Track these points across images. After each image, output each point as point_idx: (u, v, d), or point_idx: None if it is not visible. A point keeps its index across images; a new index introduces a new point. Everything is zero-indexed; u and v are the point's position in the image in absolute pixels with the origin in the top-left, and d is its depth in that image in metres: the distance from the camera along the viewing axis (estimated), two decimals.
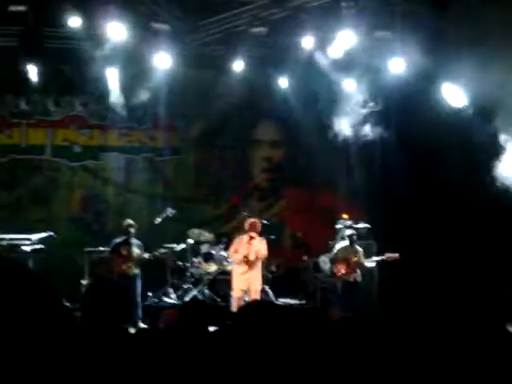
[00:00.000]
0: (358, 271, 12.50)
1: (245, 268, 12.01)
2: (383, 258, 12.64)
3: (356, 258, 12.48)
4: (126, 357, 3.64)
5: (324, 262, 13.72)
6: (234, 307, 11.67)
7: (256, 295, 11.94)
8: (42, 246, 13.05)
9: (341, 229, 13.86)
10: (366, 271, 12.83)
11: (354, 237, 12.73)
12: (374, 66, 13.95)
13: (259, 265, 12.25)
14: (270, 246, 12.67)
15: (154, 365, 3.70)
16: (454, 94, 13.37)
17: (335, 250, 12.72)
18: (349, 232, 12.86)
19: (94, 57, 13.38)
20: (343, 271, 12.45)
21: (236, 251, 12.13)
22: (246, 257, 11.98)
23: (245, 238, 12.09)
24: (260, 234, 12.32)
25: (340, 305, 12.51)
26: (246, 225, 12.21)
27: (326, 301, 13.51)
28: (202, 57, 14.25)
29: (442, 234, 14.07)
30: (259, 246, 12.14)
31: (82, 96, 15.08)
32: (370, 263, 12.66)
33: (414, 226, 14.37)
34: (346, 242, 12.67)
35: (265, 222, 14.55)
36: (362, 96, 14.54)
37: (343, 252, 12.56)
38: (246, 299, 11.76)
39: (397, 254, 12.59)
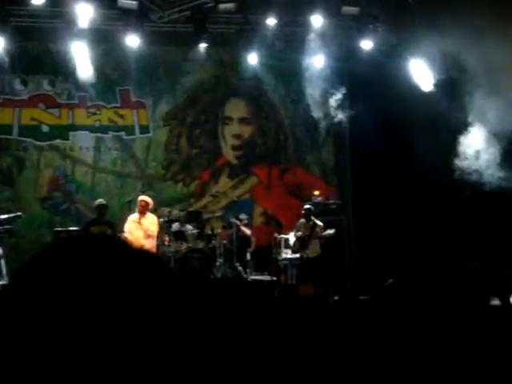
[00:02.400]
0: (315, 247, 12.69)
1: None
2: (323, 234, 12.89)
3: (310, 234, 12.67)
4: None
5: (293, 238, 13.87)
6: None
7: None
8: (10, 227, 12.94)
9: (311, 205, 13.95)
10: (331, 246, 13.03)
11: (310, 212, 12.93)
12: (343, 44, 13.98)
13: (153, 243, 12.27)
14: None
15: None
16: (422, 71, 13.46)
17: (295, 227, 12.98)
18: (305, 206, 13.03)
19: (61, 34, 13.27)
20: (298, 247, 12.74)
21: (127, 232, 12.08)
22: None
23: (135, 217, 12.10)
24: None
25: (300, 280, 12.75)
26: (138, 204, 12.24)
27: (297, 277, 13.66)
28: (170, 34, 14.16)
29: (409, 210, 14.23)
30: (147, 225, 12.18)
31: (50, 75, 14.90)
32: (328, 231, 12.84)
33: (382, 201, 14.49)
34: (303, 219, 12.87)
35: (235, 199, 14.63)
36: (332, 74, 14.56)
37: (299, 228, 12.79)
38: None
39: (332, 231, 12.94)
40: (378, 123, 14.60)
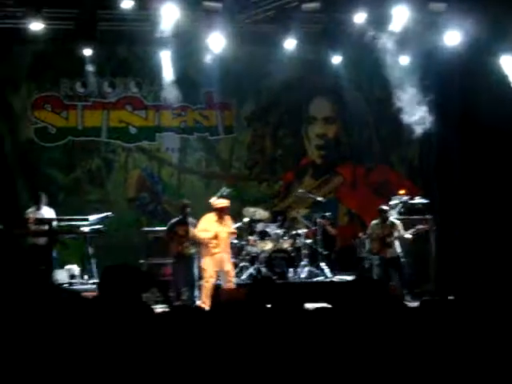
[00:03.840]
0: (395, 247, 12.49)
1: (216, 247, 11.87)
2: (414, 230, 12.65)
3: (389, 233, 12.48)
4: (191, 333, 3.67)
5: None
6: (207, 289, 11.62)
7: (229, 276, 11.91)
8: (100, 227, 13.24)
9: (397, 204, 13.76)
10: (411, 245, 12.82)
11: (387, 212, 12.73)
12: (429, 40, 13.75)
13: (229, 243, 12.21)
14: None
15: (217, 342, 3.72)
16: None
17: (369, 228, 12.79)
18: (381, 207, 12.82)
19: (147, 37, 13.50)
20: (378, 247, 12.54)
21: (205, 230, 11.93)
22: (216, 234, 11.85)
23: (213, 217, 11.99)
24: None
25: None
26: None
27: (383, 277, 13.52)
28: (254, 34, 14.19)
29: (498, 215, 13.91)
30: (229, 224, 12.14)
31: (137, 77, 15.19)
32: (407, 235, 12.62)
33: (470, 202, 14.23)
34: (378, 219, 12.66)
35: (320, 198, 14.58)
36: (418, 72, 14.34)
37: (375, 228, 12.59)
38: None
39: (426, 225, 12.69)
40: (466, 122, 14.34)
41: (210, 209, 12.27)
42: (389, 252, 12.50)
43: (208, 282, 11.69)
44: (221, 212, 11.87)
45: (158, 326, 3.83)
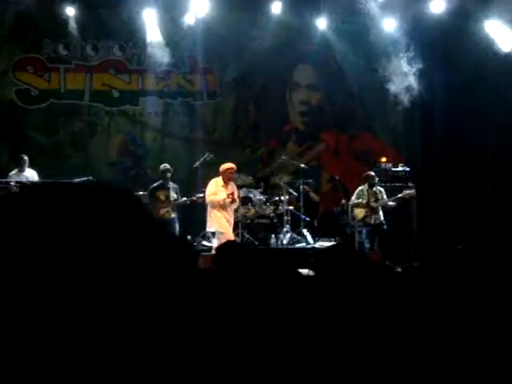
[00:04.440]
0: (379, 213, 12.64)
1: (227, 212, 11.92)
2: (401, 195, 12.77)
3: (375, 200, 12.61)
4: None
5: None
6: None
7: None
8: None
9: (379, 171, 13.84)
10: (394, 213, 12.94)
11: (373, 179, 12.86)
12: (414, 8, 13.74)
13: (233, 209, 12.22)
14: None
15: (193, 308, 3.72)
16: (502, 34, 13.09)
17: (354, 194, 12.92)
18: (368, 173, 12.95)
19: (132, 1, 13.39)
20: (364, 214, 12.68)
21: (215, 194, 11.91)
22: (231, 194, 11.87)
23: (220, 181, 11.99)
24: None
25: (367, 247, 12.72)
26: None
27: (361, 243, 13.64)
28: None
29: (479, 180, 14.01)
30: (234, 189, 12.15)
31: (120, 40, 15.05)
32: (390, 202, 12.76)
33: (455, 169, 14.30)
34: (365, 185, 12.79)
35: (303, 165, 14.60)
36: (403, 40, 14.34)
37: (361, 195, 12.73)
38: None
39: (413, 191, 12.79)
40: (451, 90, 14.36)
41: (194, 173, 12.26)
42: (373, 218, 12.63)
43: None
44: (227, 176, 11.85)
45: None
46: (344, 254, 4.46)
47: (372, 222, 12.68)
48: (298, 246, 13.37)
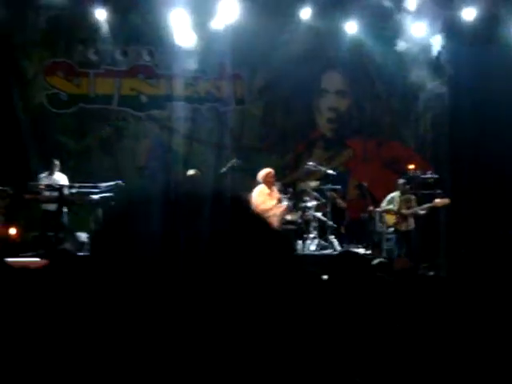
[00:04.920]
0: (410, 220, 12.58)
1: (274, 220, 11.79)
2: (432, 204, 12.69)
3: (407, 207, 12.56)
4: None
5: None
6: None
7: None
8: (111, 195, 13.25)
9: (407, 179, 13.77)
10: (426, 220, 12.85)
11: (406, 186, 12.81)
12: (446, 12, 13.69)
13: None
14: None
15: None
16: None
17: (385, 201, 12.87)
18: (400, 181, 12.92)
19: (161, 5, 13.46)
20: (394, 220, 12.64)
21: (264, 203, 11.85)
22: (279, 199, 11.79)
23: (266, 189, 11.93)
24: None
25: (396, 254, 12.66)
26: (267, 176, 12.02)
27: (391, 250, 13.58)
28: (267, 4, 14.12)
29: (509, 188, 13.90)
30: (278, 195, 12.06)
31: (149, 46, 15.13)
32: (421, 211, 12.69)
33: (483, 177, 14.20)
34: (397, 192, 12.76)
35: (330, 171, 14.57)
36: (433, 46, 14.29)
37: (391, 202, 12.68)
38: None
39: (447, 199, 12.66)
40: (480, 97, 14.27)
41: (221, 179, 12.28)
42: (404, 225, 12.56)
43: None
44: (269, 181, 11.84)
45: None
46: (350, 260, 4.49)
47: (403, 228, 12.62)
48: (324, 252, 13.33)
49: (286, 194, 13.97)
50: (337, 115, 16.03)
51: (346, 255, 5.08)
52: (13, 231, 12.02)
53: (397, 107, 15.89)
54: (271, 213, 11.65)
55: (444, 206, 12.87)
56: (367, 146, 15.99)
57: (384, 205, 12.96)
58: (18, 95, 14.64)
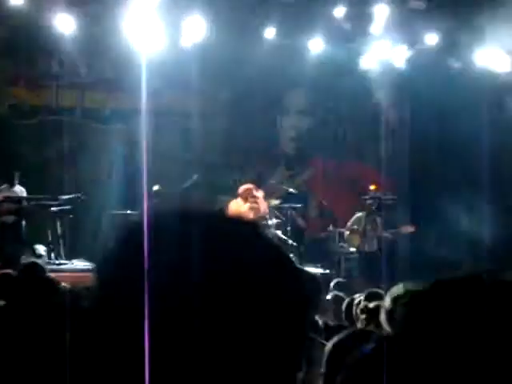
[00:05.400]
0: (374, 241, 12.60)
1: None
2: (397, 230, 12.76)
3: (372, 228, 12.59)
4: None
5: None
6: None
7: None
8: (70, 207, 13.16)
9: (367, 199, 13.86)
10: (388, 243, 12.86)
11: (372, 207, 12.85)
12: (407, 39, 13.88)
13: None
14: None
15: None
16: (498, 59, 13.29)
17: (351, 221, 12.90)
18: (367, 202, 12.97)
19: (123, 20, 13.44)
20: (358, 240, 12.64)
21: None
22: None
23: (239, 201, 11.93)
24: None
25: (359, 274, 12.69)
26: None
27: (349, 271, 13.65)
28: (233, 22, 14.16)
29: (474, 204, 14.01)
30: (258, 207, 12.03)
31: (114, 59, 15.05)
32: (386, 234, 12.75)
33: (442, 198, 14.33)
34: (362, 212, 12.80)
35: (292, 190, 14.65)
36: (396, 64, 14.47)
37: (357, 222, 12.71)
38: None
39: (412, 227, 12.73)
40: (442, 118, 14.44)
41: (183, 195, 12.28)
42: (367, 246, 12.56)
43: None
44: (243, 196, 11.79)
45: None
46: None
47: (366, 249, 12.61)
48: None
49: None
50: (299, 134, 16.10)
51: None
52: None
53: (359, 127, 16.02)
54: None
55: (409, 233, 12.89)
56: (329, 165, 16.08)
57: (349, 224, 12.97)
58: None
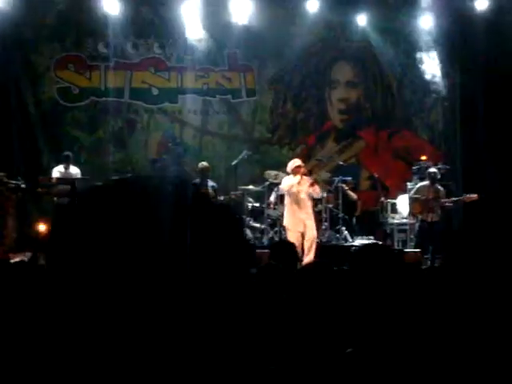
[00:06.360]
0: (437, 211, 12.34)
1: (299, 208, 11.62)
2: (461, 198, 12.48)
3: (435, 197, 12.32)
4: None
5: (401, 201, 13.64)
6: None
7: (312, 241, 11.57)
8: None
9: (419, 169, 13.69)
10: (445, 212, 12.67)
11: (436, 176, 12.54)
12: (456, 4, 13.65)
13: (311, 208, 11.81)
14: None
15: (251, 305, 3.75)
16: None
17: (415, 189, 12.61)
18: (431, 170, 12.68)
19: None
20: (421, 210, 12.37)
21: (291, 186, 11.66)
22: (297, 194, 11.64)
23: (295, 178, 11.75)
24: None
25: (417, 244, 12.51)
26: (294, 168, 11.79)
27: (404, 242, 13.54)
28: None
29: None
30: (310, 188, 11.71)
31: (160, 38, 15.12)
32: (448, 203, 12.51)
33: (494, 169, 14.14)
34: (427, 182, 12.52)
35: (341, 163, 14.59)
36: (444, 36, 14.25)
37: (422, 191, 12.42)
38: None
39: (475, 195, 12.37)
40: (491, 88, 14.20)
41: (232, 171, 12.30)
42: (430, 216, 12.31)
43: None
44: (297, 172, 11.68)
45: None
46: (378, 253, 4.48)
47: (428, 219, 12.36)
48: (336, 243, 13.32)
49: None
50: (348, 106, 15.98)
51: (373, 247, 5.10)
52: (42, 227, 11.91)
53: (408, 97, 15.84)
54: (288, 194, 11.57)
55: (472, 202, 12.54)
56: (379, 136, 15.94)
57: (413, 192, 12.66)
58: (29, 90, 14.69)
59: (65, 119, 14.97)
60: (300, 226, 11.52)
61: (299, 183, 11.61)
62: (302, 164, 11.88)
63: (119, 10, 14.09)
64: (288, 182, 11.78)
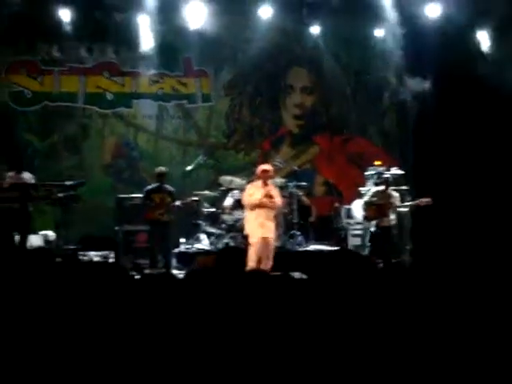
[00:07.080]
0: (392, 216, 12.43)
1: (260, 214, 11.40)
2: (416, 202, 12.58)
3: (389, 202, 12.41)
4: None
5: (356, 207, 13.71)
6: (254, 255, 11.03)
7: (271, 247, 11.45)
8: (75, 193, 13.14)
9: (373, 175, 13.79)
10: (399, 217, 12.78)
11: (389, 181, 12.66)
12: (409, 13, 13.80)
13: (272, 214, 11.59)
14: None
15: (191, 308, 3.75)
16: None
17: (369, 194, 12.68)
18: (385, 176, 12.80)
19: (126, 2, 13.40)
20: (375, 214, 12.43)
21: (251, 195, 11.44)
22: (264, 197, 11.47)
23: (258, 183, 11.62)
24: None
25: (371, 249, 12.59)
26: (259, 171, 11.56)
27: (358, 247, 13.61)
28: (232, 2, 14.14)
29: (476, 182, 14.00)
30: (273, 192, 11.54)
31: (114, 43, 15.01)
32: (403, 208, 12.63)
33: (447, 173, 14.30)
34: (381, 187, 12.61)
35: (296, 168, 14.65)
36: (396, 43, 14.39)
37: (377, 196, 12.50)
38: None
39: (429, 199, 12.48)
40: (444, 93, 14.38)
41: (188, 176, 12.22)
42: (385, 221, 12.37)
43: (252, 247, 11.17)
44: (263, 178, 11.47)
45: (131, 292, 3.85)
46: (347, 258, 4.49)
47: (383, 224, 12.42)
48: (290, 248, 13.37)
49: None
50: (303, 111, 16.06)
51: (342, 252, 5.11)
52: None
53: (362, 103, 15.97)
54: (257, 203, 11.45)
55: (426, 206, 12.62)
56: (333, 142, 16.05)
57: (367, 198, 12.71)
58: None
59: (18, 124, 14.80)
60: (261, 231, 11.39)
61: (263, 187, 11.41)
62: (270, 169, 11.70)
63: (73, 14, 13.94)
64: (247, 194, 11.57)
